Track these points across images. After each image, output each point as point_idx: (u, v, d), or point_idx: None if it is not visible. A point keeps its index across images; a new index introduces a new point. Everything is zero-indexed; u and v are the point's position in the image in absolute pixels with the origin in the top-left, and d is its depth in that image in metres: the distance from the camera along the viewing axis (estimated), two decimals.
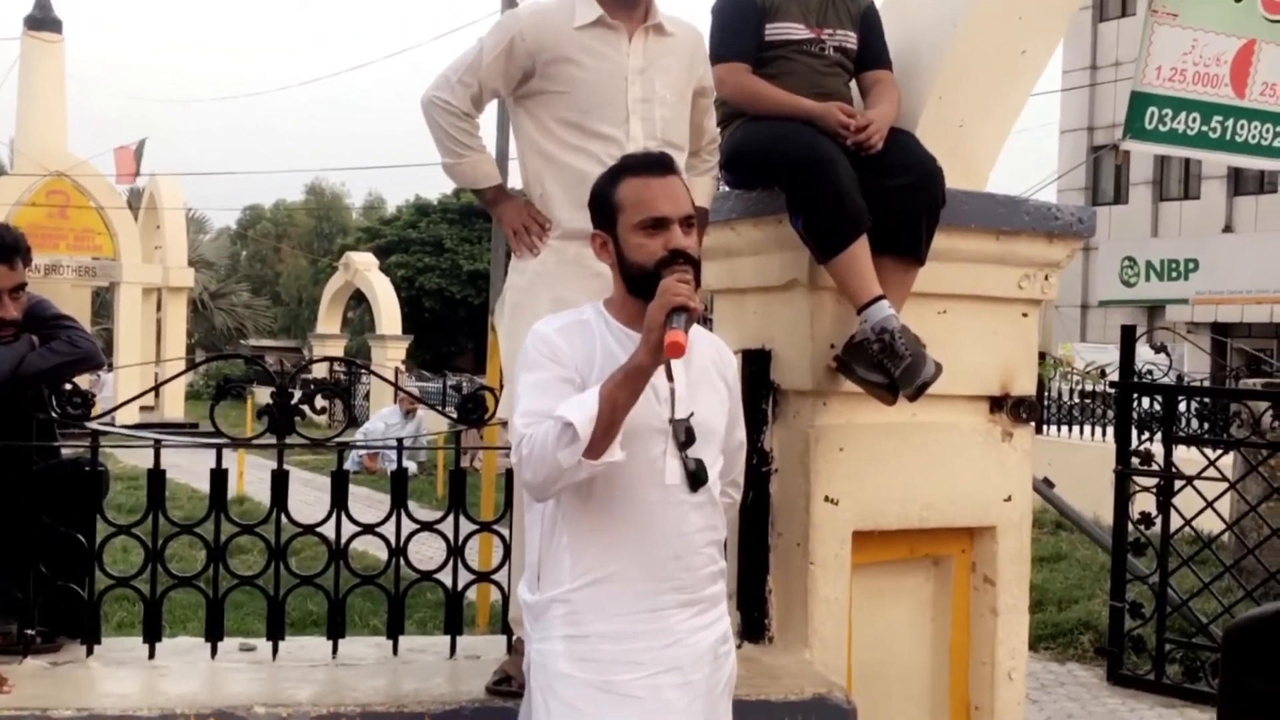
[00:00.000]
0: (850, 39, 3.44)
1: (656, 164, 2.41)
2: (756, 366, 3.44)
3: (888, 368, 3.11)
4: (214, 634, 3.15)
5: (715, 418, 2.44)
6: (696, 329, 2.39)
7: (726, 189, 3.49)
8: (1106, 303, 26.16)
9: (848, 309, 3.24)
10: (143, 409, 20.43)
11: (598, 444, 2.18)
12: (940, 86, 3.50)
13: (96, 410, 3.19)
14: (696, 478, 2.34)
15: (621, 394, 2.19)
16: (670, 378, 2.32)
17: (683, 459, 2.33)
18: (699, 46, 3.12)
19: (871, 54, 3.48)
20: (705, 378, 2.44)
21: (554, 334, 2.36)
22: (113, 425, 3.61)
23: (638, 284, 2.33)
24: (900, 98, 3.42)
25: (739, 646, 3.36)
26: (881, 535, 3.44)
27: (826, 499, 3.33)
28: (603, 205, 2.41)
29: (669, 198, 2.36)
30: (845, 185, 3.13)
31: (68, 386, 3.12)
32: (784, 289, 3.45)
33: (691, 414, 2.35)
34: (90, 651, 3.09)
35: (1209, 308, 23.86)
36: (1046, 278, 3.65)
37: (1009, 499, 3.57)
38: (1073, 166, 26.04)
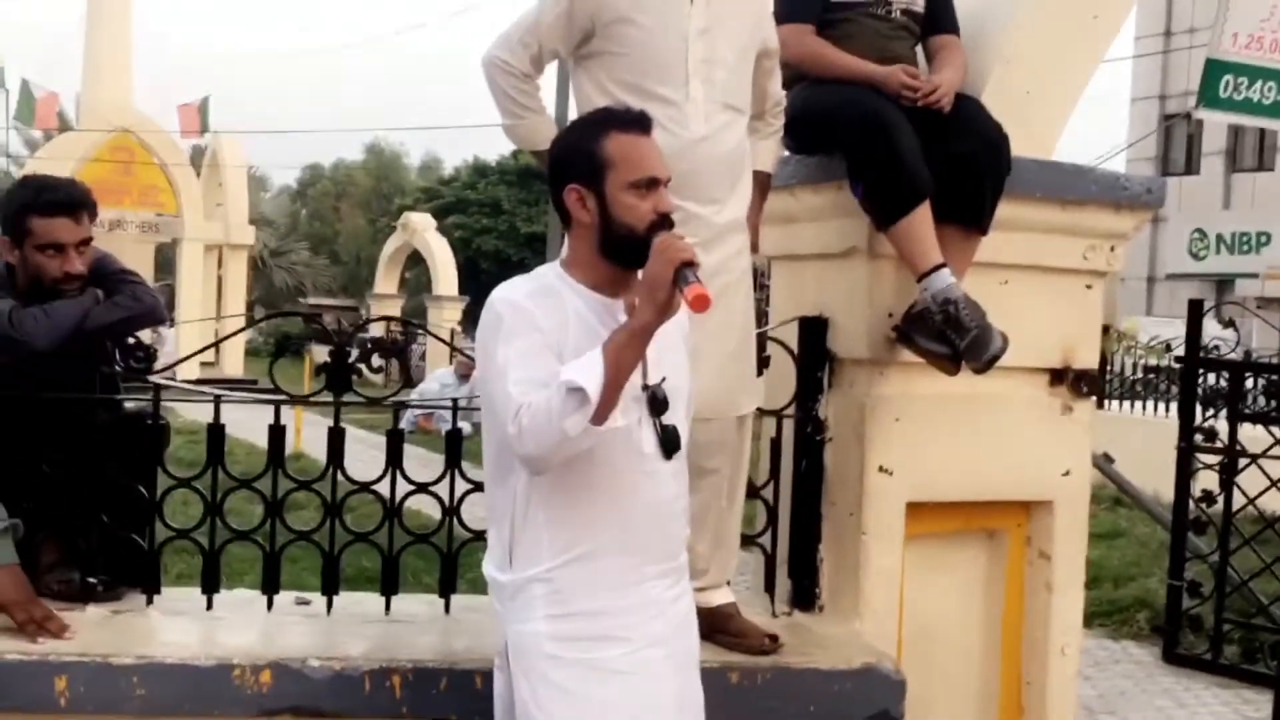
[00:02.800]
0: (917, 2, 3.38)
1: (641, 121, 2.33)
2: (813, 334, 3.41)
3: (951, 338, 3.06)
4: (270, 587, 3.19)
5: (681, 380, 2.38)
6: None
7: (787, 154, 3.45)
8: (1174, 276, 25.65)
9: (907, 278, 3.20)
10: (203, 365, 20.73)
11: (603, 409, 2.09)
12: (1008, 52, 3.43)
13: (158, 365, 3.24)
14: (670, 444, 2.29)
15: (626, 355, 2.11)
16: None
17: (657, 426, 2.28)
18: (763, 6, 3.08)
19: (939, 18, 3.41)
20: (670, 340, 2.35)
21: (525, 300, 2.26)
22: (174, 380, 3.66)
23: (621, 245, 2.24)
24: (966, 63, 3.36)
25: (789, 614, 3.37)
26: (936, 507, 3.40)
27: (881, 469, 3.31)
28: (587, 158, 2.29)
29: (657, 158, 2.30)
30: (908, 151, 3.08)
31: (131, 341, 3.17)
32: (843, 256, 3.40)
33: (663, 379, 2.29)
34: (150, 601, 3.15)
35: None
36: (1112, 249, 3.57)
37: (1067, 473, 3.52)
38: (1143, 136, 25.49)
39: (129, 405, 3.30)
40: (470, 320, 28.20)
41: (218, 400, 3.19)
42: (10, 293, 3.08)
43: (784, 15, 3.23)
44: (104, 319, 3.10)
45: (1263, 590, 6.09)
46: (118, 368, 3.16)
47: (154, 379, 3.18)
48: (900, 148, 3.08)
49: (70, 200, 3.10)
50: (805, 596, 3.41)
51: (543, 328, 2.22)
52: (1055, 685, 3.52)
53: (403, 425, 3.36)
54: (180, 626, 3.03)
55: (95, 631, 2.89)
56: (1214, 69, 4.48)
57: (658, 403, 2.28)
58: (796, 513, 3.42)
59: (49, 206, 3.06)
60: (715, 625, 3.00)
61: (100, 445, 3.08)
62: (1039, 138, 3.49)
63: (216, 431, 3.14)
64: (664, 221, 2.23)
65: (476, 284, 29.57)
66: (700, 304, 2.06)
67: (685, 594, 2.39)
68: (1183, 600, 6.11)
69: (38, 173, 3.65)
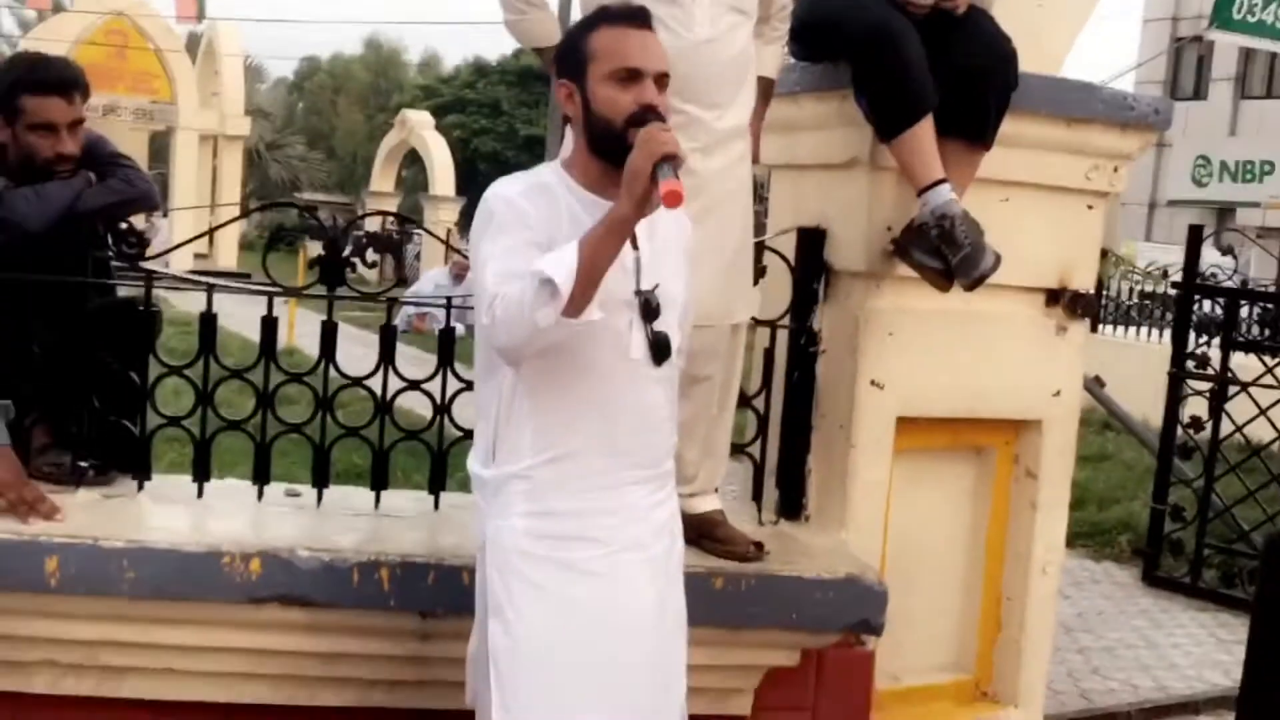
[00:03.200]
0: None
1: (635, 16, 2.29)
2: (810, 245, 3.39)
3: (945, 254, 3.05)
4: (261, 478, 3.21)
5: (677, 288, 2.36)
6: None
7: (792, 60, 3.39)
8: (1176, 202, 25.52)
9: (908, 191, 3.17)
10: (196, 256, 20.63)
11: (577, 301, 2.07)
12: None
13: (151, 253, 3.21)
14: (661, 351, 2.27)
15: (602, 248, 2.08)
16: (635, 246, 2.24)
17: (647, 331, 2.27)
18: None
19: None
20: (668, 247, 2.35)
21: (518, 197, 2.25)
22: (167, 269, 3.63)
23: (603, 141, 2.21)
24: None
25: (775, 523, 3.40)
26: (926, 422, 3.42)
27: (873, 383, 3.31)
28: (573, 52, 2.28)
29: (645, 50, 2.25)
30: (913, 61, 3.03)
31: (123, 226, 3.14)
32: (844, 167, 3.37)
33: (656, 285, 2.27)
34: (141, 487, 3.16)
35: None
36: (1116, 170, 3.54)
37: (1058, 394, 3.53)
38: (1152, 56, 25.14)
39: (121, 291, 3.28)
40: (466, 220, 28.04)
41: (210, 289, 3.17)
42: (1, 172, 3.04)
43: None
44: (96, 201, 3.07)
45: (1244, 517, 6.17)
46: (110, 253, 3.13)
47: (146, 265, 3.16)
48: (906, 58, 3.03)
49: (63, 79, 3.04)
50: (792, 506, 3.44)
51: (532, 224, 2.21)
52: (1035, 603, 3.57)
53: (396, 324, 3.34)
54: (171, 513, 3.05)
55: (86, 515, 2.91)
56: None
57: (649, 308, 2.27)
58: (787, 423, 3.43)
59: (41, 85, 3.01)
60: (702, 531, 3.03)
61: (92, 330, 3.06)
62: (1047, 53, 3.43)
63: (208, 320, 3.13)
64: (646, 113, 2.18)
65: (473, 184, 29.23)
66: (672, 200, 2.04)
67: (668, 501, 2.39)
68: (1165, 524, 6.19)
69: (29, 51, 3.58)
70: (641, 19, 2.30)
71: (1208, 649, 5.40)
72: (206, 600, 2.78)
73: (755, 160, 3.08)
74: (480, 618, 2.39)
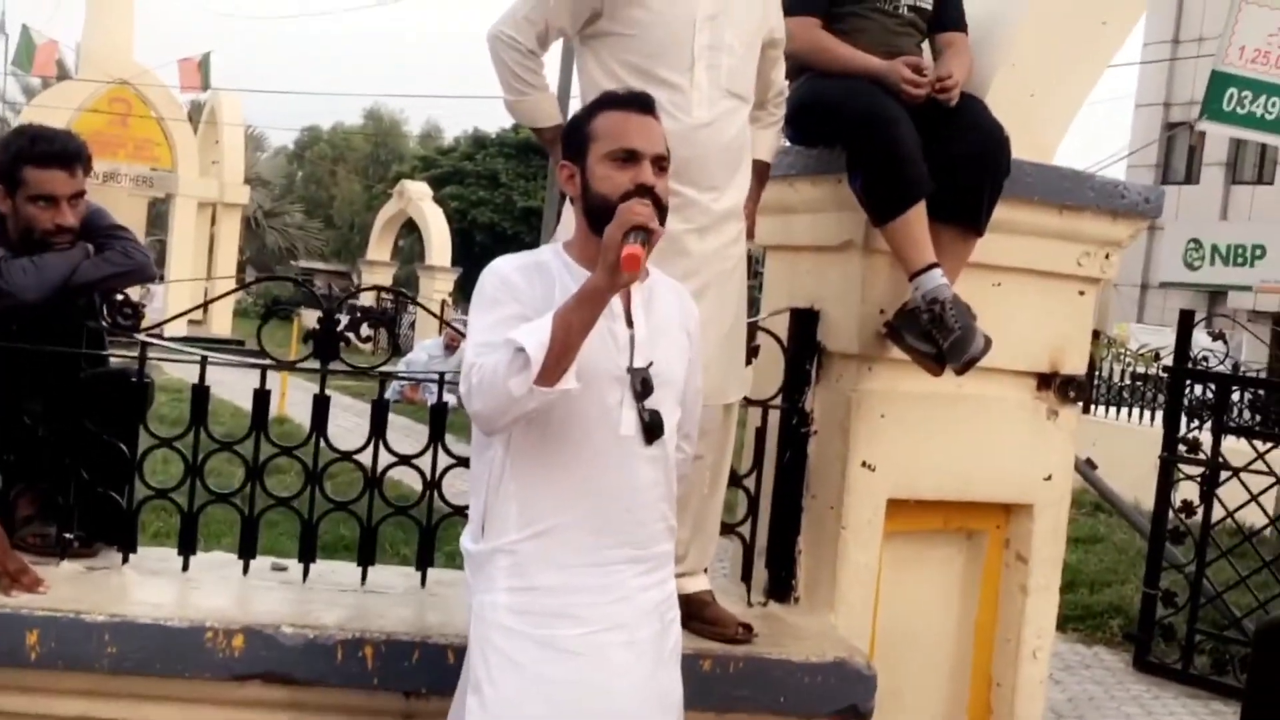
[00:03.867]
0: None
1: (638, 101, 2.34)
2: (804, 326, 3.41)
3: (936, 338, 3.06)
4: (247, 551, 3.19)
5: (675, 367, 2.37)
6: (661, 277, 2.32)
7: (788, 144, 3.44)
8: (1168, 284, 25.70)
9: (901, 275, 3.19)
10: (191, 323, 20.67)
11: (551, 371, 2.09)
12: (1014, 54, 3.42)
13: (146, 322, 3.22)
14: (652, 429, 2.27)
15: (575, 318, 2.10)
16: (630, 324, 2.27)
17: (639, 410, 2.27)
18: None
19: (946, 15, 3.40)
20: (667, 326, 2.36)
21: (512, 272, 2.29)
22: (161, 338, 3.64)
23: (599, 217, 2.23)
24: (972, 62, 3.34)
25: (764, 604, 3.38)
26: (916, 505, 3.41)
27: (864, 464, 3.31)
28: (576, 135, 2.34)
29: (644, 134, 2.29)
30: (907, 148, 3.07)
31: (119, 297, 3.15)
32: (838, 250, 3.40)
33: (650, 363, 2.28)
34: (126, 559, 3.14)
35: (1273, 297, 23.38)
36: (1107, 256, 3.57)
37: (1049, 478, 3.53)
38: (1146, 143, 25.48)
39: (114, 361, 3.28)
40: (462, 292, 28.23)
41: (203, 361, 3.17)
42: (0, 242, 3.06)
43: (791, 7, 3.21)
44: (93, 274, 3.08)
45: (1236, 603, 6.13)
46: (104, 323, 3.14)
47: (140, 336, 3.17)
48: (900, 144, 3.07)
49: (65, 152, 3.07)
50: (781, 587, 3.41)
51: (523, 299, 2.24)
52: (1025, 688, 3.53)
53: (389, 395, 3.34)
54: (155, 586, 3.02)
55: (69, 587, 2.88)
56: (1219, 81, 4.48)
57: (643, 386, 2.27)
58: (777, 503, 3.42)
59: (44, 158, 3.04)
60: (690, 611, 2.99)
61: (82, 400, 3.06)
62: (1040, 141, 3.48)
63: (200, 392, 3.13)
64: (641, 193, 2.21)
65: (470, 256, 29.52)
66: (629, 264, 2.07)
67: (661, 585, 2.36)
68: (1157, 609, 6.15)
69: (34, 123, 3.62)
70: (644, 105, 2.34)
71: None
72: (189, 676, 2.75)
73: (750, 238, 3.11)
74: (460, 693, 2.37)
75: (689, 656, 2.84)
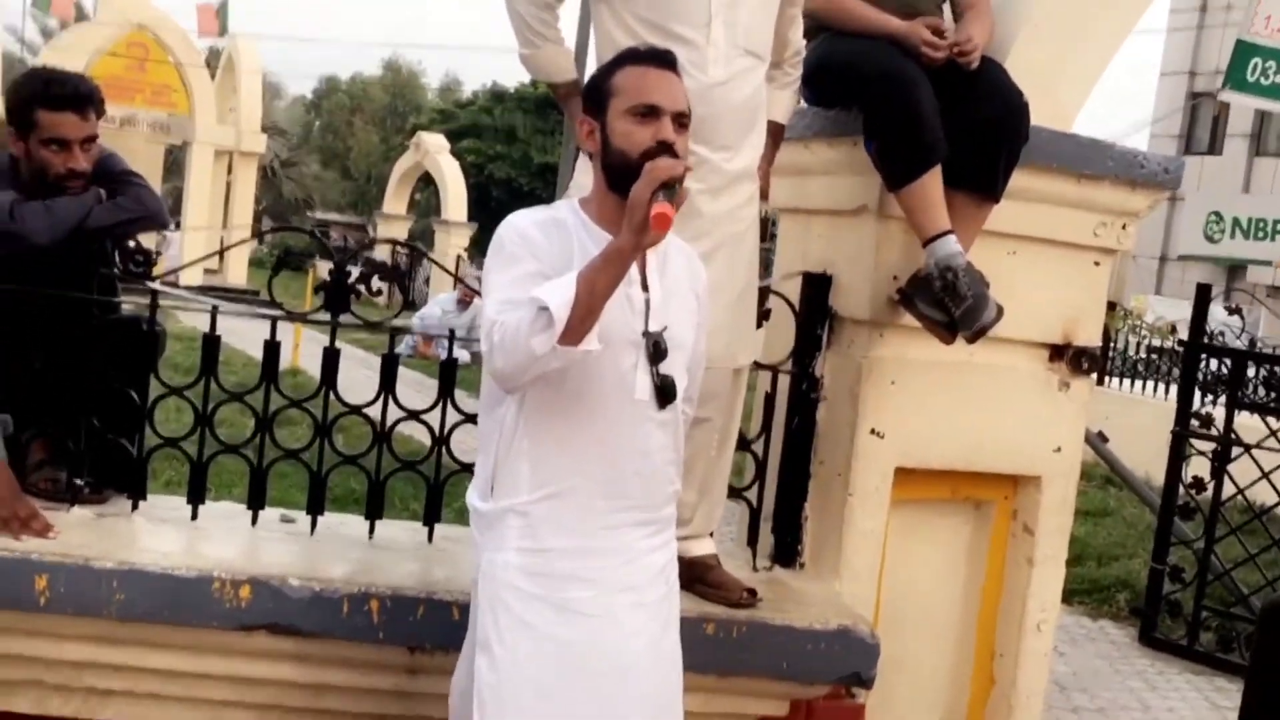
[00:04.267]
0: None
1: (659, 57, 2.31)
2: (815, 291, 3.39)
3: (948, 306, 3.04)
4: (256, 502, 3.20)
5: (687, 332, 2.36)
6: (673, 240, 2.29)
7: (804, 105, 3.40)
8: (1186, 257, 25.50)
9: (915, 241, 3.17)
10: (207, 272, 20.71)
11: (574, 331, 2.07)
12: (1035, 17, 3.37)
13: (163, 269, 3.21)
14: (665, 394, 2.27)
15: (601, 278, 2.08)
16: (645, 288, 2.26)
17: (653, 374, 2.26)
18: None
19: None
20: (678, 290, 2.35)
21: (531, 227, 2.27)
22: (175, 286, 3.64)
23: (619, 175, 2.21)
24: (994, 25, 3.30)
25: (769, 569, 3.38)
26: (924, 473, 3.40)
27: (873, 431, 3.30)
28: (596, 91, 2.31)
29: (666, 89, 2.27)
30: (924, 111, 3.04)
31: (131, 244, 3.14)
32: (852, 214, 3.37)
33: (665, 328, 2.28)
34: (135, 507, 3.15)
35: None
36: (1124, 227, 3.54)
37: (1059, 449, 3.52)
38: (1169, 112, 25.21)
39: (126, 309, 3.28)
40: (478, 247, 28.20)
41: (214, 311, 3.17)
42: (13, 185, 3.05)
43: None
44: (106, 219, 3.07)
45: (1244, 580, 6.12)
46: (116, 270, 3.14)
47: (152, 284, 3.16)
48: (918, 107, 3.03)
49: (78, 95, 3.06)
50: (787, 553, 3.42)
51: (542, 256, 2.23)
52: (1028, 659, 3.54)
53: (402, 349, 3.34)
54: (163, 534, 3.04)
55: (79, 533, 2.90)
56: (1244, 51, 4.41)
57: (656, 350, 2.27)
58: (785, 469, 3.41)
59: (56, 101, 3.02)
60: (695, 575, 3.01)
61: (94, 347, 3.06)
62: (1060, 108, 3.44)
63: (210, 342, 3.13)
64: (662, 149, 2.19)
65: (486, 210, 29.47)
66: (660, 223, 2.04)
67: (666, 547, 2.37)
68: (1164, 584, 6.14)
69: (47, 65, 3.60)
70: (666, 60, 2.32)
71: (1202, 713, 5.35)
72: (195, 625, 2.76)
73: (765, 198, 3.08)
74: (468, 651, 2.38)
75: (693, 620, 2.86)
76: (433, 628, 2.81)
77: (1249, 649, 5.56)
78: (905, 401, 3.32)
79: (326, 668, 2.87)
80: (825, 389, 3.39)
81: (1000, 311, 3.05)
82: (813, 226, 3.55)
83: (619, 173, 2.22)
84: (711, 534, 3.15)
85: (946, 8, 3.38)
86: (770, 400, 3.41)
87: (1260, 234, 23.67)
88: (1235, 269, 24.47)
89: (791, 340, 3.39)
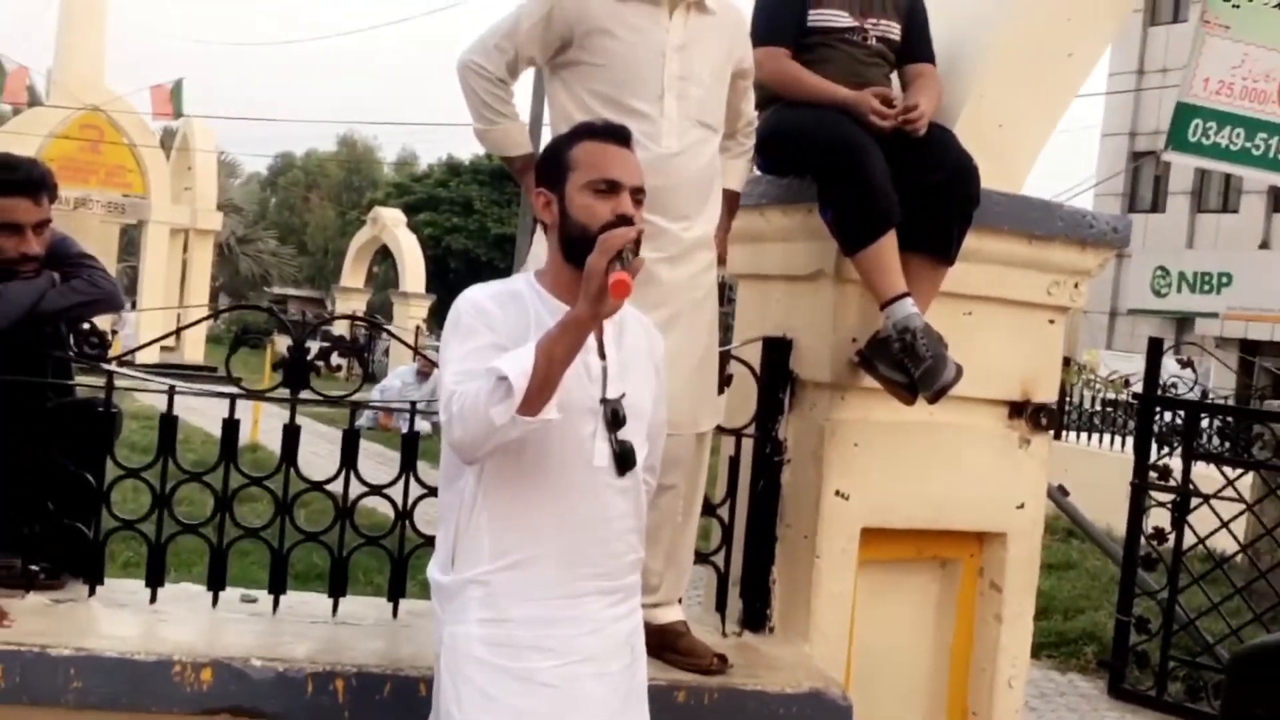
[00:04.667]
0: (894, 30, 3.39)
1: (616, 133, 2.35)
2: (776, 355, 3.41)
3: (908, 367, 3.07)
4: (216, 583, 3.15)
5: (645, 400, 2.37)
6: (629, 310, 2.30)
7: (758, 173, 3.45)
8: (1136, 311, 25.93)
9: (873, 303, 3.20)
10: (164, 349, 20.52)
11: (533, 400, 2.08)
12: (982, 85, 3.45)
13: (118, 349, 3.19)
14: (625, 460, 2.27)
15: (559, 347, 2.09)
16: (603, 355, 2.27)
17: (611, 441, 2.27)
18: (740, 27, 3.08)
19: (915, 46, 3.42)
20: (636, 359, 2.37)
21: (487, 300, 2.28)
22: (132, 365, 3.61)
23: (577, 247, 2.23)
24: (941, 93, 3.37)
25: (739, 634, 3.36)
26: (890, 533, 3.41)
27: (838, 493, 3.31)
28: (554, 163, 2.34)
29: (624, 165, 2.30)
30: (877, 177, 3.09)
31: (86, 326, 3.12)
32: (809, 279, 3.41)
33: (623, 394, 2.29)
34: (92, 591, 3.10)
35: (1239, 324, 23.62)
36: (1076, 285, 3.60)
37: (1022, 506, 3.54)
38: (1113, 174, 25.75)
39: (80, 391, 3.25)
40: (436, 318, 28.18)
41: (171, 391, 3.15)
42: None
43: (760, 37, 3.23)
44: (59, 303, 3.05)
45: (1209, 629, 6.14)
46: (71, 353, 3.11)
47: (107, 366, 3.14)
48: (869, 173, 3.09)
49: (30, 180, 3.05)
50: (756, 617, 3.40)
51: (498, 328, 2.23)
52: (1000, 717, 3.53)
53: (363, 422, 3.33)
54: (122, 619, 2.98)
55: (34, 620, 2.84)
56: (1183, 112, 4.52)
57: (615, 418, 2.27)
58: (751, 533, 3.41)
59: (7, 186, 3.01)
60: (664, 643, 2.99)
61: (48, 431, 3.02)
62: (1009, 171, 3.51)
63: (168, 422, 3.10)
64: (621, 224, 2.21)
65: (444, 282, 29.51)
66: (619, 290, 2.05)
67: (630, 616, 2.36)
68: (1130, 636, 6.14)
69: None
70: (622, 137, 2.36)
71: None
72: (156, 711, 2.71)
73: (722, 265, 3.12)
74: None
75: (663, 688, 2.83)
76: (400, 706, 2.77)
77: (1217, 698, 5.57)
78: (869, 462, 3.34)
79: None
80: (789, 452, 3.41)
81: (959, 371, 3.09)
82: (770, 292, 3.59)
83: (577, 245, 2.24)
84: (680, 600, 3.14)
85: (894, 78, 3.45)
86: (734, 464, 3.42)
87: (1206, 287, 24.15)
88: (1184, 321, 24.90)
89: (754, 404, 3.40)
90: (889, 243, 3.10)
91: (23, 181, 3.03)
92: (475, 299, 2.29)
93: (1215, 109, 4.58)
